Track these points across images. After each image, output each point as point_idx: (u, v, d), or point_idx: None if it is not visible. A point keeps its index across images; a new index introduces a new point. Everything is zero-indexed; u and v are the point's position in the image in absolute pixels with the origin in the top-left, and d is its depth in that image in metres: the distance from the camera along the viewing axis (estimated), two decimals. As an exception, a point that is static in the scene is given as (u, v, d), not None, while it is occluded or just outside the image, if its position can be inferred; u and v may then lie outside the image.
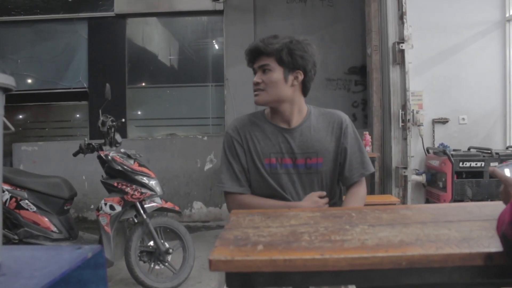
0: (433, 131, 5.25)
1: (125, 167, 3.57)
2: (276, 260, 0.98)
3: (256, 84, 1.82)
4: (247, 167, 1.89)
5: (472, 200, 4.54)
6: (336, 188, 1.96)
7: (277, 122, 1.89)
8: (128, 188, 3.54)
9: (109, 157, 3.60)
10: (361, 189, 1.93)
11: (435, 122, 5.24)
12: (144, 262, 3.64)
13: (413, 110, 5.04)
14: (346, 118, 1.93)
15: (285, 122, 1.88)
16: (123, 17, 6.91)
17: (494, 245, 0.99)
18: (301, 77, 1.83)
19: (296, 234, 1.17)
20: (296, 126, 1.87)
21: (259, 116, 1.95)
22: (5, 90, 0.86)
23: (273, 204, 1.81)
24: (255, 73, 1.85)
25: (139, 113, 7.22)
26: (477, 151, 4.83)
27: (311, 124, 1.88)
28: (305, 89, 1.88)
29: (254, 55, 1.83)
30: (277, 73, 1.80)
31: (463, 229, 1.16)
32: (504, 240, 0.94)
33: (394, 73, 5.06)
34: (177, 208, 3.76)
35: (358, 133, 1.97)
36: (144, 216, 3.54)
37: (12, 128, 0.92)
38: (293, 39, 1.82)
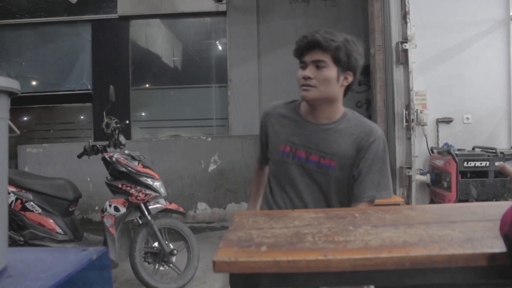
0: (437, 130, 5.24)
1: (130, 168, 3.58)
2: (279, 261, 0.98)
3: (307, 78, 1.73)
4: (267, 149, 1.96)
5: (477, 199, 4.52)
6: (343, 200, 1.85)
7: (308, 117, 1.85)
8: (133, 190, 3.55)
9: (114, 159, 3.61)
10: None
11: (439, 121, 5.22)
12: (149, 263, 3.65)
13: (417, 109, 5.02)
14: (378, 134, 1.80)
15: (315, 118, 1.83)
16: (126, 19, 6.94)
17: (498, 246, 0.99)
18: (350, 78, 1.78)
19: (299, 235, 1.17)
20: (324, 124, 1.82)
21: (292, 106, 1.93)
22: (11, 94, 0.87)
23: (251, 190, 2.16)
24: (302, 66, 1.77)
25: (143, 114, 7.24)
26: (481, 150, 4.81)
27: (339, 127, 1.81)
28: (347, 90, 1.84)
29: (308, 48, 1.73)
30: (332, 71, 1.72)
31: (467, 230, 1.16)
32: (507, 241, 0.94)
33: (397, 73, 5.05)
34: (181, 210, 3.76)
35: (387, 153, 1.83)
36: (149, 218, 3.55)
37: (18, 131, 0.93)
38: (350, 38, 1.75)
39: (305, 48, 1.73)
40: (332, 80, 1.73)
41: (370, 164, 1.77)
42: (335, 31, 1.76)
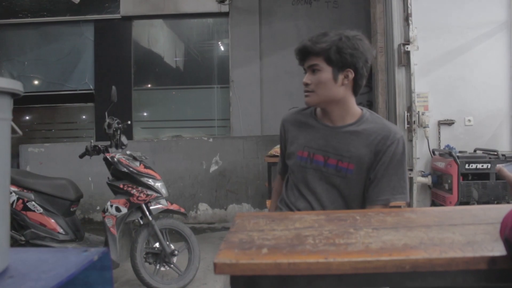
0: (439, 132, 5.23)
1: (131, 169, 3.59)
2: (280, 264, 0.99)
3: (306, 85, 1.76)
4: (286, 157, 1.97)
5: (478, 202, 4.51)
6: (361, 202, 1.85)
7: (324, 120, 1.86)
8: (134, 190, 3.55)
9: (115, 159, 3.61)
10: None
11: (440, 123, 5.22)
12: (150, 263, 3.65)
13: (418, 111, 5.02)
14: (397, 136, 1.77)
15: (331, 121, 1.83)
16: (129, 19, 6.95)
17: (498, 249, 0.99)
18: (351, 75, 1.74)
19: (300, 237, 1.17)
20: (340, 126, 1.81)
21: (309, 112, 1.94)
22: (13, 95, 0.88)
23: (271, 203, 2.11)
24: (305, 73, 1.79)
25: (145, 115, 7.25)
26: (483, 152, 4.80)
27: (357, 129, 1.79)
28: (356, 87, 1.80)
29: (304, 55, 1.75)
30: (326, 73, 1.72)
31: (467, 233, 1.16)
32: (507, 245, 0.94)
33: (399, 75, 5.05)
34: (182, 210, 3.77)
35: (406, 157, 1.80)
36: (150, 218, 3.56)
37: (20, 132, 0.93)
38: (343, 35, 1.72)
39: (302, 56, 1.76)
40: (327, 81, 1.73)
41: (387, 167, 1.75)
42: (333, 31, 1.75)
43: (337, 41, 1.71)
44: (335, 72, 1.73)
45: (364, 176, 1.78)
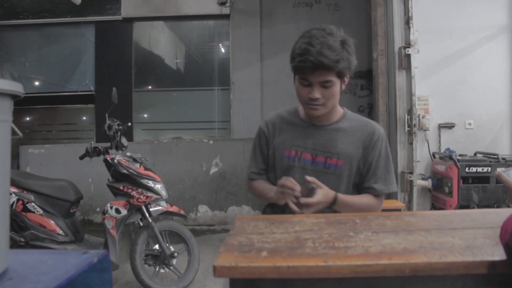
0: (439, 135, 5.23)
1: (131, 170, 3.59)
2: (280, 267, 0.98)
3: (316, 99, 1.72)
4: (270, 159, 1.93)
5: (478, 205, 4.51)
6: None
7: (309, 119, 1.87)
8: (134, 192, 3.55)
9: (115, 161, 3.62)
10: (375, 201, 1.85)
11: (441, 126, 5.22)
12: (149, 265, 3.65)
13: (419, 114, 5.02)
14: (380, 131, 1.86)
15: (317, 119, 1.85)
16: (130, 21, 6.96)
17: (498, 254, 0.99)
18: (347, 79, 1.79)
19: (300, 240, 1.17)
20: (326, 124, 1.85)
21: (292, 111, 1.95)
22: (14, 97, 0.88)
23: (268, 188, 1.89)
24: (306, 84, 1.73)
25: (145, 116, 7.25)
26: (483, 156, 4.80)
27: (342, 126, 1.85)
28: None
29: (314, 69, 1.68)
30: (337, 85, 1.73)
31: (467, 237, 1.15)
32: (508, 249, 0.94)
33: (400, 78, 5.06)
34: (182, 212, 3.76)
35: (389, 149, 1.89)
36: (150, 220, 3.55)
37: (20, 134, 0.93)
38: (346, 44, 1.72)
39: (311, 70, 1.68)
40: (337, 93, 1.76)
41: (377, 161, 1.83)
42: (332, 34, 1.71)
43: (347, 54, 1.70)
44: (341, 82, 1.76)
45: (353, 171, 1.83)
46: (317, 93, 1.71)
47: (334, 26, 1.77)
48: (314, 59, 1.64)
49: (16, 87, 0.86)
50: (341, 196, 1.74)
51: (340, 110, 1.90)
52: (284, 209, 1.77)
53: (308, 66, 1.66)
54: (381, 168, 1.83)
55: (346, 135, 1.83)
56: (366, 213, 1.66)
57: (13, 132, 0.90)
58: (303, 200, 1.65)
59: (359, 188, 1.87)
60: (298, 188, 1.66)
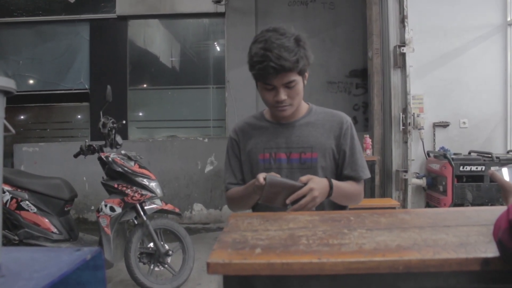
0: (434, 134, 5.25)
1: (126, 168, 3.58)
2: (273, 264, 0.98)
3: (282, 101, 1.73)
4: (244, 166, 1.91)
5: (472, 204, 4.53)
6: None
7: (275, 119, 1.88)
8: (129, 190, 3.54)
9: (110, 159, 3.61)
10: (359, 187, 1.88)
11: (435, 125, 5.24)
12: (144, 263, 3.65)
13: (413, 113, 5.04)
14: (347, 119, 1.89)
15: (284, 118, 1.85)
16: (124, 19, 6.93)
17: (491, 251, 0.99)
18: (307, 74, 1.80)
19: (294, 237, 1.17)
20: (294, 121, 1.86)
21: (258, 116, 1.96)
22: (6, 93, 0.87)
23: (245, 186, 1.82)
24: (269, 88, 1.73)
25: (140, 114, 7.23)
26: (477, 155, 4.83)
27: (309, 120, 1.86)
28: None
29: (276, 73, 1.67)
30: (300, 83, 1.75)
31: (461, 234, 1.16)
32: (501, 246, 0.94)
33: (395, 77, 5.07)
34: (177, 210, 3.76)
35: (357, 135, 1.93)
36: (144, 218, 3.55)
37: (13, 130, 0.93)
38: (301, 42, 1.71)
39: (272, 75, 1.67)
40: (301, 90, 1.78)
41: (351, 148, 1.85)
42: (285, 34, 1.70)
43: (303, 51, 1.71)
44: (302, 78, 1.77)
45: (328, 162, 1.83)
46: (282, 95, 1.72)
47: (283, 24, 1.76)
48: (274, 64, 1.64)
49: (8, 83, 0.85)
50: (334, 181, 1.73)
51: (305, 106, 1.91)
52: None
53: (270, 72, 1.66)
54: (356, 154, 1.85)
55: (316, 127, 1.85)
56: (360, 210, 1.67)
57: (6, 129, 0.90)
58: (291, 201, 1.61)
59: (337, 178, 1.85)
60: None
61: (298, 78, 1.73)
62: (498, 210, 1.11)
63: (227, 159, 1.97)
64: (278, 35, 1.68)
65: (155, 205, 3.65)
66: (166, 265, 3.66)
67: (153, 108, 7.15)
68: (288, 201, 1.62)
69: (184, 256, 3.70)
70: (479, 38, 5.28)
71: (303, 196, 1.62)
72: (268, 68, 1.65)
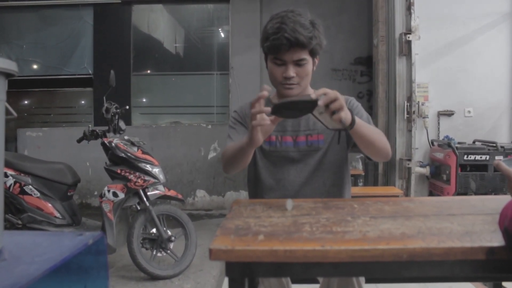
0: (438, 123, 5.23)
1: (129, 154, 3.58)
2: (276, 251, 0.98)
3: (291, 78, 1.72)
4: None
5: (475, 193, 4.53)
6: (344, 175, 1.86)
7: None
8: (131, 175, 3.54)
9: (113, 144, 3.60)
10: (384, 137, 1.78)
11: (440, 114, 5.21)
12: (146, 249, 3.66)
13: (418, 102, 5.01)
14: (351, 98, 1.88)
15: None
16: (129, 3, 6.88)
17: (496, 240, 0.99)
18: (317, 61, 1.80)
19: (297, 224, 1.17)
20: None
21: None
22: (8, 75, 0.86)
23: (240, 141, 1.67)
24: (279, 63, 1.72)
25: (144, 100, 7.22)
26: (482, 144, 4.81)
27: None
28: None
29: (289, 47, 1.67)
30: (310, 64, 1.74)
31: (466, 223, 1.15)
32: (507, 235, 0.93)
33: (400, 64, 5.03)
34: (180, 196, 3.76)
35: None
36: (147, 204, 3.55)
37: (15, 114, 0.92)
38: (316, 24, 1.73)
39: (285, 48, 1.67)
40: (310, 72, 1.77)
41: (358, 115, 1.70)
42: (301, 14, 1.71)
43: (317, 33, 1.72)
44: (313, 61, 1.77)
45: (337, 147, 1.82)
46: (292, 72, 1.71)
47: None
48: (289, 35, 1.64)
49: (10, 65, 0.84)
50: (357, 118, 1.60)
51: (311, 90, 1.86)
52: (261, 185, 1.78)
53: (283, 43, 1.66)
54: (365, 119, 1.73)
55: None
56: (363, 198, 1.66)
57: (7, 112, 0.89)
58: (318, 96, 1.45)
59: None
60: (265, 109, 1.51)
61: (309, 58, 1.72)
62: (503, 200, 1.10)
63: (230, 128, 1.89)
64: (295, 14, 1.70)
65: (158, 191, 3.65)
66: (168, 251, 3.67)
67: (156, 94, 7.13)
68: (314, 96, 1.44)
69: (187, 242, 3.71)
70: (486, 27, 5.23)
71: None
72: (282, 39, 1.65)
